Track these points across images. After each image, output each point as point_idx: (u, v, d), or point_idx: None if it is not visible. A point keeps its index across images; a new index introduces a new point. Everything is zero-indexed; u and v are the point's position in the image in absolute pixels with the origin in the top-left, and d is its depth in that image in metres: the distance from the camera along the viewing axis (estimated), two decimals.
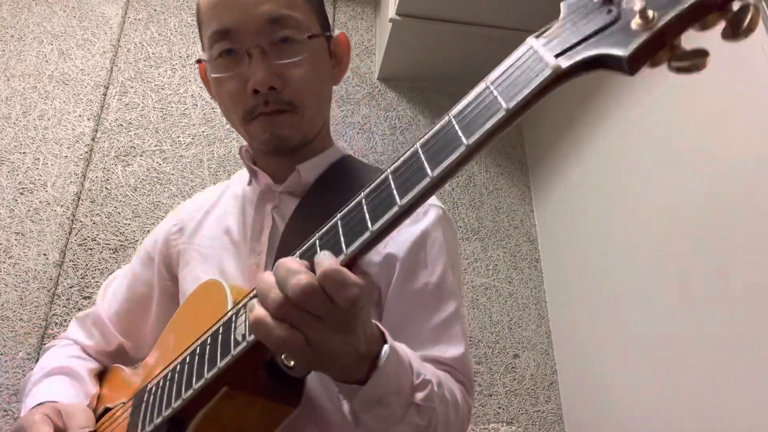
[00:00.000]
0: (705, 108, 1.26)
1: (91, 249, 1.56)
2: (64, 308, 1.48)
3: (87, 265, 1.54)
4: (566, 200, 1.80)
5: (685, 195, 1.28)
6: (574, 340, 1.67)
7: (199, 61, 0.74)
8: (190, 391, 0.50)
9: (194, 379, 0.51)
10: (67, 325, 1.46)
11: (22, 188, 1.59)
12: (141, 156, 1.71)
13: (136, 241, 1.59)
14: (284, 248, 0.67)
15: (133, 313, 0.83)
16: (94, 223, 1.60)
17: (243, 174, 0.82)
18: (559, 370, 1.72)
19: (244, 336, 0.47)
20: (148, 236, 0.88)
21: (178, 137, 1.76)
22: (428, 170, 0.38)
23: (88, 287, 1.52)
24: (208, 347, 0.52)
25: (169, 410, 0.53)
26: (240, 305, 0.51)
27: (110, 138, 1.72)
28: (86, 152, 1.68)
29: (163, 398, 0.55)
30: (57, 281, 1.51)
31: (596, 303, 1.57)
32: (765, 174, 1.08)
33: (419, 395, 0.54)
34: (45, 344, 1.43)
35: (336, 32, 0.76)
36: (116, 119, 1.75)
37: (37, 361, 1.41)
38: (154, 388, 0.59)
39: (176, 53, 1.90)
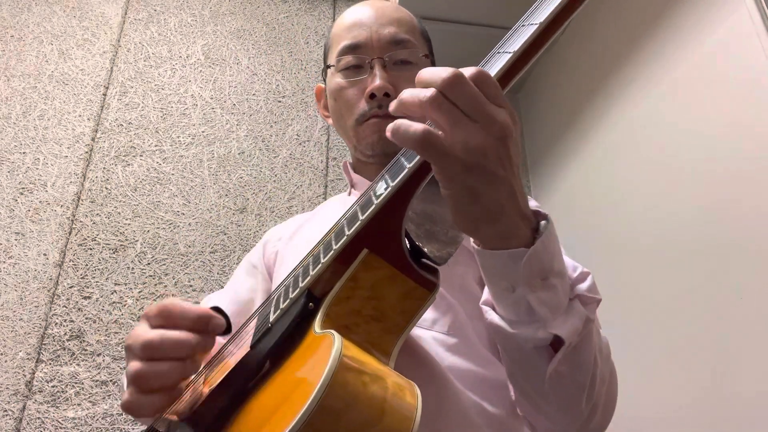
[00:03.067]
0: (705, 108, 1.26)
1: (91, 249, 1.57)
2: (64, 308, 1.48)
3: (87, 265, 1.54)
4: (566, 200, 1.80)
5: (686, 195, 1.28)
6: None
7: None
8: (331, 253, 0.48)
9: (333, 242, 0.49)
10: (67, 325, 1.46)
11: (22, 188, 1.60)
12: (141, 156, 1.71)
13: (136, 241, 1.59)
14: None
15: (237, 318, 0.82)
16: (94, 223, 1.60)
17: (337, 197, 0.92)
18: None
19: (387, 185, 0.47)
20: (248, 254, 0.92)
21: (178, 137, 1.76)
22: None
23: (88, 287, 1.52)
24: (345, 218, 0.51)
25: (308, 278, 0.48)
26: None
27: (110, 138, 1.72)
28: (86, 152, 1.68)
29: (298, 278, 0.51)
30: (57, 281, 1.51)
31: None
32: (765, 173, 1.08)
33: (582, 286, 0.51)
34: (44, 344, 1.43)
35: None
36: (116, 119, 1.75)
37: (37, 361, 1.41)
38: (282, 285, 0.56)
39: (176, 53, 1.90)
